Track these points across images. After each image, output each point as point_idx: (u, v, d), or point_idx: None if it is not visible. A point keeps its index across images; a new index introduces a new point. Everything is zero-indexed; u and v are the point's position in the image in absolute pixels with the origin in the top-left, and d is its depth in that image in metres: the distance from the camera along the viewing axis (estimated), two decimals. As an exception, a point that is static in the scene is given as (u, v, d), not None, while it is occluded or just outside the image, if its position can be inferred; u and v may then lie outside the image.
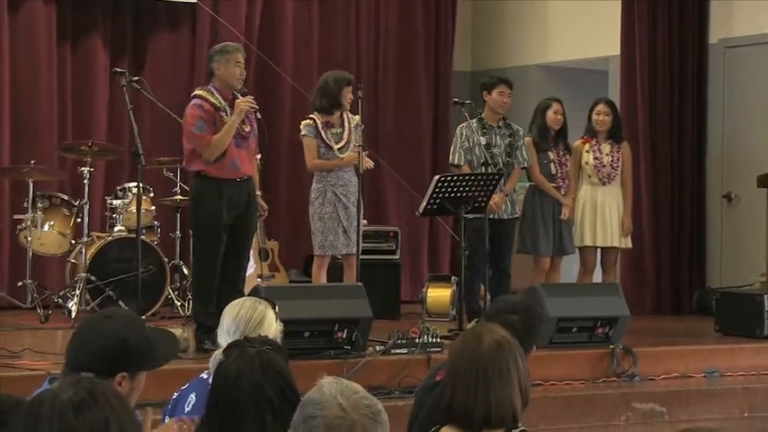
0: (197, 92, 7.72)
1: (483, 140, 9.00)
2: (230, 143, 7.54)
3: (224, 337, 4.12)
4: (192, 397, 3.93)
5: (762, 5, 10.57)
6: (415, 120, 12.08)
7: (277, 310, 4.26)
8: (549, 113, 9.36)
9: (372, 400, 2.36)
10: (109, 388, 2.17)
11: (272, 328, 4.14)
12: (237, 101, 7.56)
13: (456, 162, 9.07)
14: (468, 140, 9.01)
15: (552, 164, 9.37)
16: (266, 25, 11.39)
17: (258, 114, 7.75)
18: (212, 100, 7.57)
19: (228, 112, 7.57)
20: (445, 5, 12.21)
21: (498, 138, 9.10)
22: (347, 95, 8.52)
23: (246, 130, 7.67)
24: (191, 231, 8.83)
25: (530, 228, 9.30)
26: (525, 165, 9.20)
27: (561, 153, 9.41)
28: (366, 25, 11.92)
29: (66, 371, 3.24)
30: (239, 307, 4.20)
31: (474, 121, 9.06)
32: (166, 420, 3.98)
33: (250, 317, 4.14)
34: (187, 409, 3.89)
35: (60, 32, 10.66)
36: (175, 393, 4.18)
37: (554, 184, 9.36)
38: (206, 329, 7.44)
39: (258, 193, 8.36)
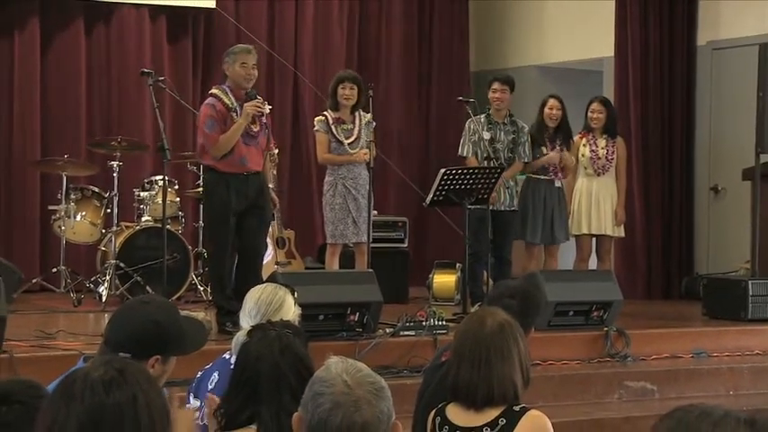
0: (213, 90, 7.72)
1: (487, 135, 9.00)
2: (239, 141, 7.51)
3: (246, 319, 4.12)
4: (215, 375, 3.93)
5: (746, 10, 10.55)
6: (422, 116, 12.08)
7: (296, 296, 4.26)
8: (545, 109, 9.38)
9: (376, 377, 2.37)
10: (138, 367, 2.17)
11: (291, 312, 4.13)
12: (245, 105, 7.52)
13: (464, 154, 9.08)
14: (476, 134, 9.02)
15: None
16: (280, 27, 11.40)
17: (264, 118, 7.70)
18: (225, 100, 7.55)
19: (239, 111, 7.53)
20: (455, 6, 12.21)
21: (503, 134, 9.09)
22: (340, 91, 8.53)
23: (255, 129, 7.62)
24: (201, 222, 8.88)
25: (522, 217, 9.29)
26: (526, 160, 9.19)
27: (558, 148, 9.39)
28: (375, 26, 11.92)
29: (105, 350, 3.24)
30: (261, 292, 4.20)
31: (482, 116, 9.08)
32: (191, 397, 3.98)
33: (270, 301, 4.14)
34: (210, 387, 3.90)
35: (88, 34, 10.68)
36: (199, 372, 4.18)
37: (546, 177, 9.35)
38: (226, 312, 7.47)
39: (271, 185, 8.35)
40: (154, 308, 3.32)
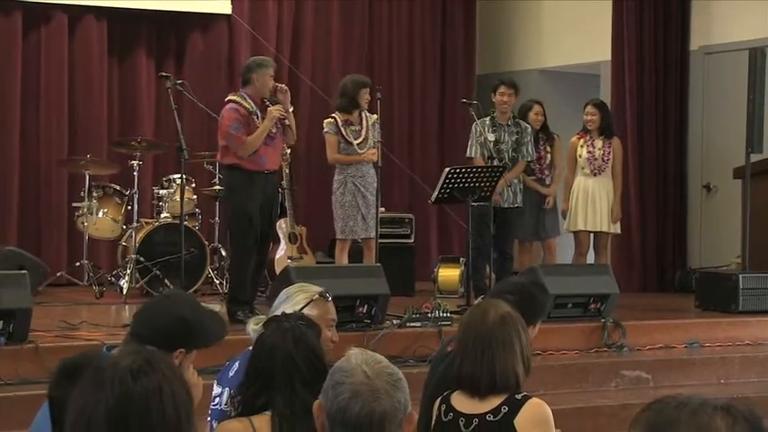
0: (231, 97, 7.86)
1: (492, 137, 9.01)
2: None
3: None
4: (237, 365, 3.96)
5: (737, 17, 10.55)
6: (428, 118, 12.08)
7: (329, 297, 4.24)
8: (531, 115, 9.48)
9: (394, 368, 2.39)
10: (163, 357, 2.19)
11: (298, 306, 4.08)
12: (270, 108, 7.71)
13: (471, 155, 9.10)
14: (482, 136, 9.03)
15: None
16: (291, 34, 11.39)
17: (287, 121, 7.87)
18: (245, 105, 7.73)
19: (259, 115, 7.72)
20: (460, 11, 12.19)
21: (506, 135, 9.09)
22: (364, 96, 8.58)
23: (274, 131, 7.82)
24: (218, 219, 8.90)
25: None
26: (529, 159, 9.22)
27: (540, 147, 9.49)
28: (384, 30, 11.92)
29: (131, 342, 3.26)
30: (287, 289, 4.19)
31: (487, 119, 9.10)
32: (214, 384, 4.02)
33: (284, 295, 4.13)
34: (230, 374, 3.94)
35: (111, 42, 10.71)
36: (228, 362, 4.21)
37: (533, 177, 9.42)
38: (240, 302, 7.56)
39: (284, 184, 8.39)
40: (179, 304, 3.33)
